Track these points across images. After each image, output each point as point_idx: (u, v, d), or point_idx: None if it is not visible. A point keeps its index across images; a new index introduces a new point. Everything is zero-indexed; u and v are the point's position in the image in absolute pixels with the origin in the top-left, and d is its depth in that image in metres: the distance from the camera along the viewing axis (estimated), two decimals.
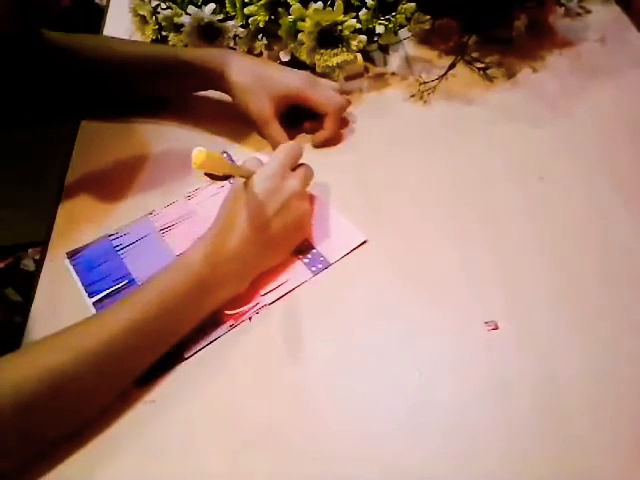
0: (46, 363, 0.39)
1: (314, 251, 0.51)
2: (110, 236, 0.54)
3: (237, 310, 0.47)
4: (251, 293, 0.48)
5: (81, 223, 0.56)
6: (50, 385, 0.38)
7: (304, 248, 0.51)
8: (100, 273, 0.51)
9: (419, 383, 0.43)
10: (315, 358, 0.45)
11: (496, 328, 0.45)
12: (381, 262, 0.50)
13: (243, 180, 0.47)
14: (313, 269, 0.50)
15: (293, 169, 0.50)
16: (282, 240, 0.49)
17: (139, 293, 0.43)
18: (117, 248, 0.53)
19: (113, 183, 0.59)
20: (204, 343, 0.46)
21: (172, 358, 0.45)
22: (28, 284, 0.52)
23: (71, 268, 0.52)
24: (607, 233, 0.50)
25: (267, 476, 0.40)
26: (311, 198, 0.53)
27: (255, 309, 0.48)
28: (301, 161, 0.51)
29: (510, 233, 0.51)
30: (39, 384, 0.38)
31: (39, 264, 0.54)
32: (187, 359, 0.45)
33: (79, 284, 0.51)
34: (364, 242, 0.51)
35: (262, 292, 0.48)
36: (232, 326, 0.47)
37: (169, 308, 0.43)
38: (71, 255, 0.53)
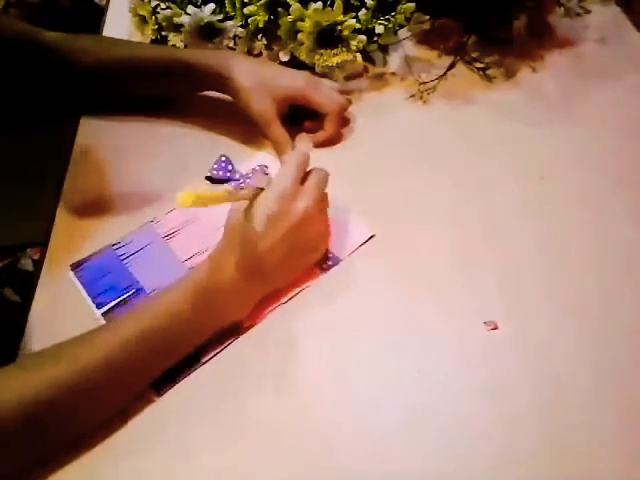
0: (49, 376, 0.39)
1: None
2: (113, 245, 0.53)
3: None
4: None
5: (81, 223, 0.56)
6: (53, 395, 0.38)
7: None
8: (106, 284, 0.50)
9: (419, 383, 0.43)
10: (315, 358, 0.45)
11: (496, 328, 0.45)
12: (380, 262, 0.50)
13: (242, 205, 0.45)
14: (324, 266, 0.50)
15: (303, 178, 0.48)
16: (291, 265, 0.47)
17: (142, 311, 0.43)
18: (122, 257, 0.52)
19: (113, 183, 0.59)
20: (221, 347, 0.45)
21: (190, 362, 0.45)
22: (27, 284, 0.52)
23: (76, 280, 0.51)
24: (607, 233, 0.50)
25: (267, 476, 0.40)
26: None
27: (271, 308, 0.47)
28: None
29: (510, 233, 0.51)
30: (42, 394, 0.38)
31: (38, 264, 0.53)
32: (205, 363, 0.45)
33: (85, 295, 0.50)
34: (372, 237, 0.52)
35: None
36: (248, 327, 0.47)
37: (172, 326, 0.42)
38: (75, 267, 0.52)
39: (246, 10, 0.63)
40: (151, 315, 0.42)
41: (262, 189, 0.46)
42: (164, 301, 0.43)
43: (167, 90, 0.64)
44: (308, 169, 0.49)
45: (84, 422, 0.41)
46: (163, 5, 0.67)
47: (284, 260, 0.46)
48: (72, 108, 0.68)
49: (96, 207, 0.57)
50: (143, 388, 0.43)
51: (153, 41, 0.70)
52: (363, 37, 0.61)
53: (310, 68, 0.63)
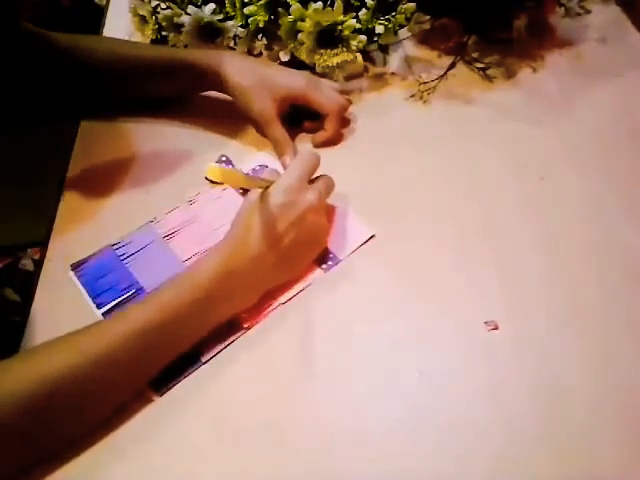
0: (49, 366, 0.39)
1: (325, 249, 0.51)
2: (113, 245, 0.53)
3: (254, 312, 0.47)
4: (266, 293, 0.48)
5: (81, 223, 0.56)
6: (51, 389, 0.38)
7: None
8: (106, 283, 0.50)
9: (419, 383, 0.43)
10: (315, 357, 0.45)
11: (496, 328, 0.45)
12: (380, 262, 0.50)
13: (259, 191, 0.46)
14: (324, 266, 0.50)
15: (312, 180, 0.49)
16: (295, 256, 0.48)
17: (144, 303, 0.43)
18: (122, 257, 0.52)
19: (113, 183, 0.59)
20: (221, 346, 0.45)
21: (190, 361, 0.45)
22: (27, 284, 0.52)
23: (76, 280, 0.51)
24: (607, 233, 0.50)
25: (267, 476, 0.40)
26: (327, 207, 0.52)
27: (271, 308, 0.47)
28: None
29: (510, 233, 0.51)
30: (42, 387, 0.38)
31: (39, 264, 0.53)
32: (205, 363, 0.45)
33: (85, 295, 0.50)
34: (372, 236, 0.52)
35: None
36: (248, 327, 0.47)
37: (172, 320, 0.42)
38: (75, 267, 0.52)
39: (246, 10, 0.63)
40: (154, 309, 0.42)
41: (273, 182, 0.47)
42: (168, 295, 0.43)
43: (167, 90, 0.64)
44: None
45: (84, 418, 0.41)
46: (163, 5, 0.67)
47: (294, 246, 0.46)
48: (73, 109, 0.68)
49: (96, 207, 0.57)
50: (143, 384, 0.43)
51: (153, 41, 0.70)
52: (363, 37, 0.61)
53: (310, 68, 0.63)
